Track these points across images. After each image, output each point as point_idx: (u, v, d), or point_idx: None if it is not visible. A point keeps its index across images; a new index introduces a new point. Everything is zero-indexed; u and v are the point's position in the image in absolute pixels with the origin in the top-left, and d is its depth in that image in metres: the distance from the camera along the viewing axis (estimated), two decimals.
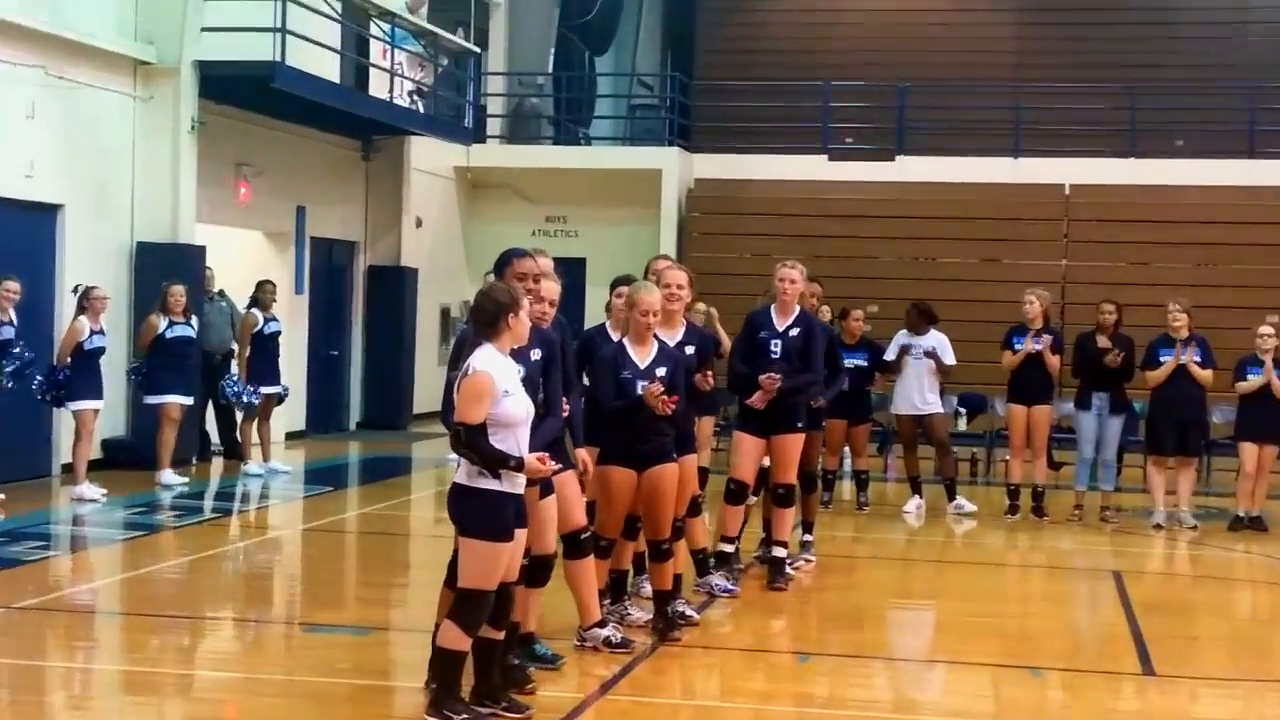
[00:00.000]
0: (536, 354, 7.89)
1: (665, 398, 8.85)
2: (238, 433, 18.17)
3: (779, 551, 11.30)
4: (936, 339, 15.68)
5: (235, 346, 17.95)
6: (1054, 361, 15.23)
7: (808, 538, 12.54)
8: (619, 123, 30.02)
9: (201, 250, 18.39)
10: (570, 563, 8.78)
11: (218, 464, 18.34)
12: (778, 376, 10.77)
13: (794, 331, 11.10)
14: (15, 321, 14.52)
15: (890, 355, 15.64)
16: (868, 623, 10.71)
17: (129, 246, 17.90)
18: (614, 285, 10.30)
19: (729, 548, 11.18)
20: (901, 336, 15.78)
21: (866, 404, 15.54)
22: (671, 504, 9.40)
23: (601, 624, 8.93)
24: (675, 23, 31.83)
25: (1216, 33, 28.69)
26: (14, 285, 14.56)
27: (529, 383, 7.54)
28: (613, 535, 9.33)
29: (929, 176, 25.53)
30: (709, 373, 10.11)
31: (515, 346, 7.38)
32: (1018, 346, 15.21)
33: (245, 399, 17.13)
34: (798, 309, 11.19)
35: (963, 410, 19.55)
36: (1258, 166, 25.17)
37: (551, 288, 8.32)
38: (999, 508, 15.78)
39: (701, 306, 13.24)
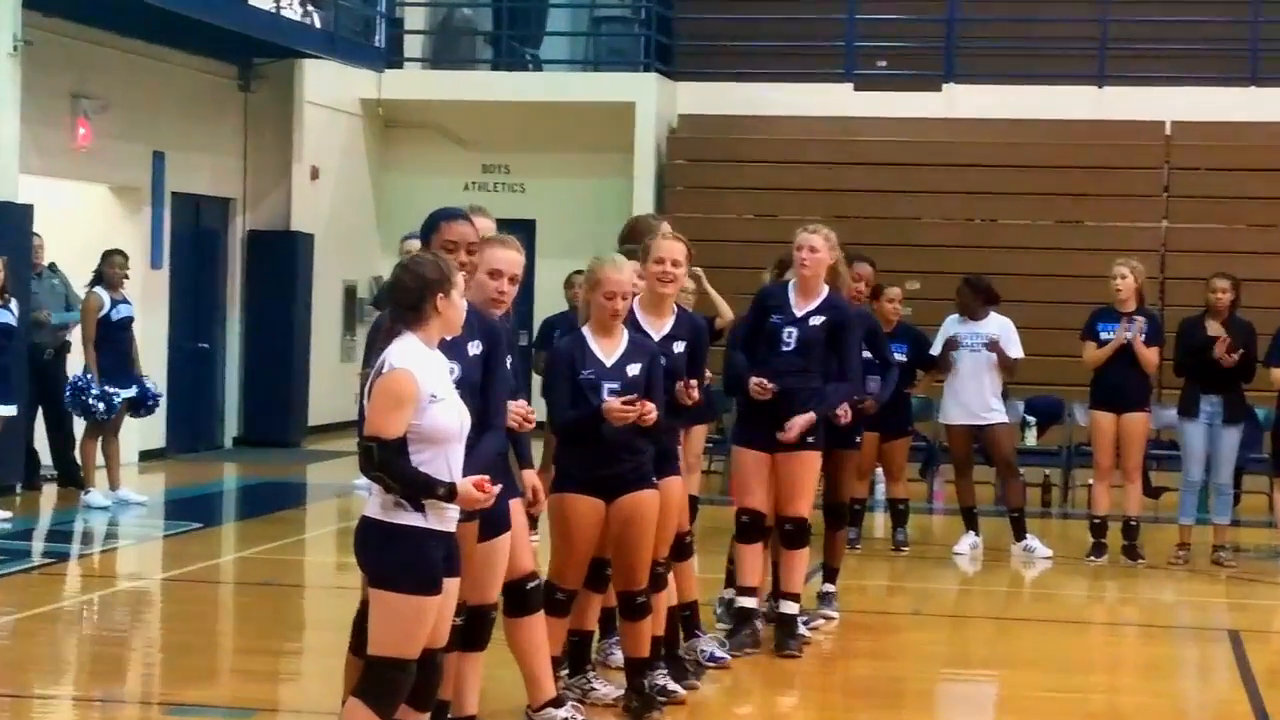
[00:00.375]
0: (476, 347, 7.84)
1: (635, 406, 8.81)
2: (77, 452, 18.11)
3: (789, 607, 11.29)
4: (999, 325, 15.66)
5: (72, 338, 17.88)
6: (1151, 355, 15.27)
7: (829, 588, 12.56)
8: (578, 41, 29.91)
9: (27, 210, 18.33)
10: (515, 621, 8.73)
11: (50, 493, 18.29)
12: (770, 385, 10.77)
13: (816, 320, 11.08)
14: None
15: (937, 348, 15.66)
16: (908, 700, 10.72)
17: None
18: (568, 279, 10.27)
19: (749, 602, 11.12)
20: (952, 323, 15.76)
21: (905, 412, 15.55)
22: (650, 543, 9.33)
23: (557, 703, 8.90)
24: None
25: None
26: None
27: (466, 385, 7.53)
28: (572, 585, 9.28)
29: (986, 112, 25.60)
30: (693, 382, 9.81)
31: (447, 337, 7.34)
32: (1104, 335, 15.26)
33: (103, 408, 16.99)
34: (825, 290, 11.16)
35: (1031, 420, 19.54)
36: None
37: (511, 259, 8.28)
38: (1080, 547, 15.80)
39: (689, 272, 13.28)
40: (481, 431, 7.67)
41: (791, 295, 11.21)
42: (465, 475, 7.21)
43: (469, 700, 8.28)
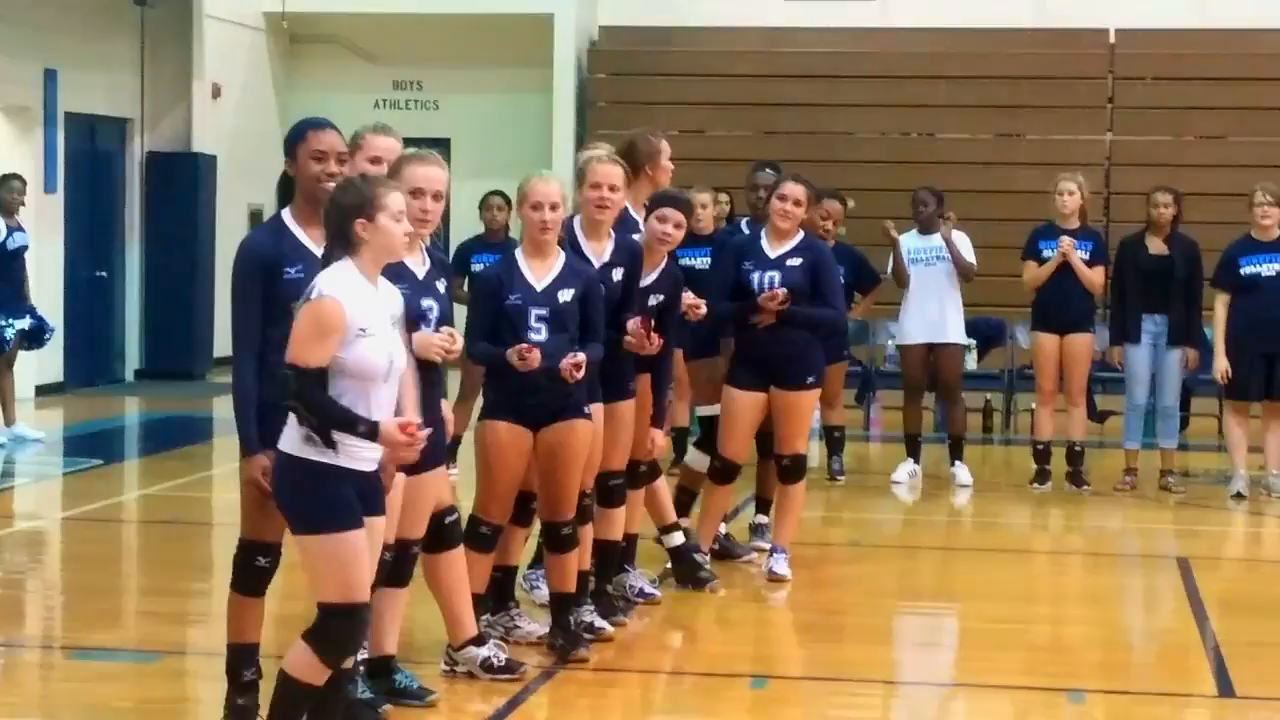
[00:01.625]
0: (444, 284, 7.91)
1: (529, 357, 8.71)
2: None
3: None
4: (954, 236, 15.68)
5: None
6: (1095, 275, 15.36)
7: (762, 519, 12.65)
8: None
9: None
10: (433, 557, 8.72)
11: None
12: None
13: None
14: None
15: (891, 263, 15.65)
16: (848, 633, 10.76)
17: None
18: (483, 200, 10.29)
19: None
20: (909, 238, 15.73)
21: (841, 337, 15.56)
22: (578, 473, 9.33)
23: (479, 641, 8.94)
24: None
25: None
26: None
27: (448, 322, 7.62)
28: (498, 519, 9.28)
29: (922, 20, 25.59)
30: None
31: (386, 262, 7.31)
32: (1046, 254, 15.34)
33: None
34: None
35: (971, 342, 19.51)
36: None
37: (431, 175, 8.21)
38: (1023, 474, 15.95)
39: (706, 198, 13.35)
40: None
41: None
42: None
43: (388, 639, 8.30)
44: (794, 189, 11.25)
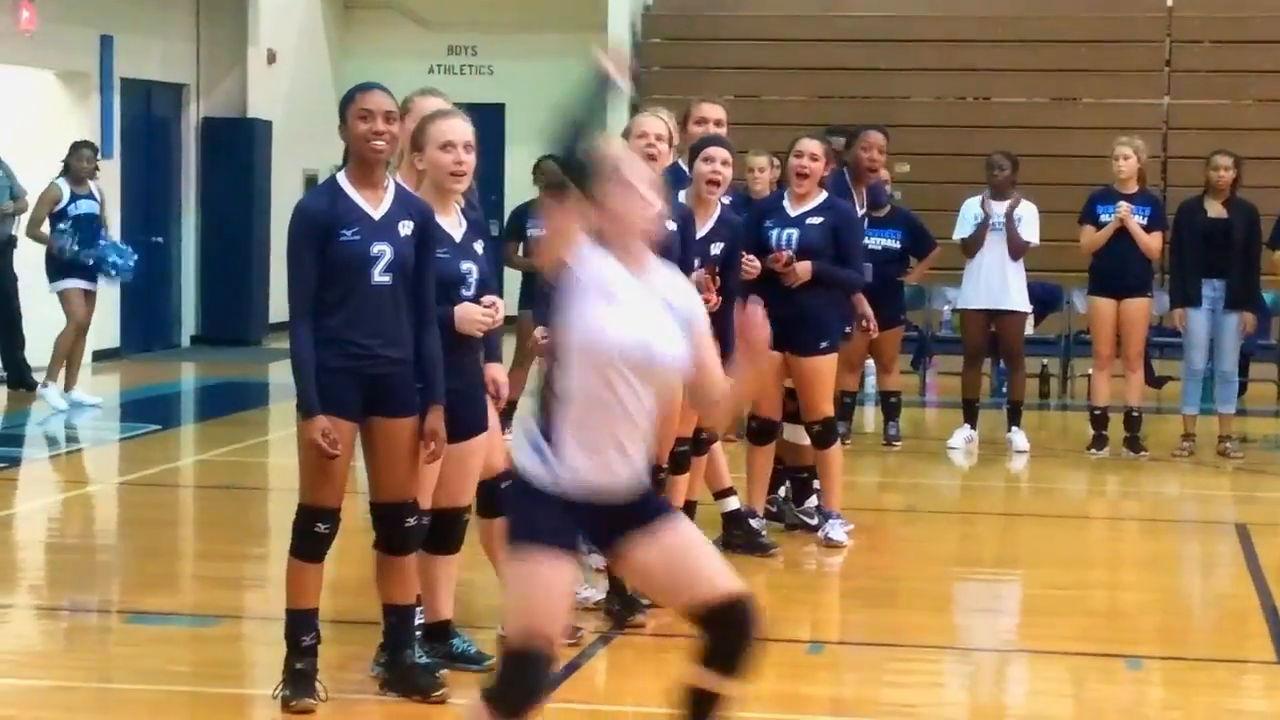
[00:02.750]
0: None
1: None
2: (23, 353, 18.09)
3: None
4: (1022, 205, 15.56)
5: (17, 231, 17.83)
6: (1153, 240, 15.31)
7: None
8: None
9: None
10: (488, 522, 8.76)
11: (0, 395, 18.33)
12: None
13: (814, 220, 11.27)
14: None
15: (967, 229, 15.49)
16: (903, 598, 10.79)
17: None
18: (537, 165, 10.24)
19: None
20: (974, 203, 15.66)
21: (897, 301, 15.53)
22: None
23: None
24: None
25: None
26: None
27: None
28: None
29: None
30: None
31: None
32: (1104, 218, 15.29)
33: (116, 264, 17.00)
34: (823, 193, 11.41)
35: (1028, 308, 19.55)
36: None
37: (458, 126, 8.16)
38: (1080, 439, 15.93)
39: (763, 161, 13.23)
40: (419, 334, 7.76)
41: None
42: (437, 388, 7.53)
43: (443, 604, 8.33)
44: (807, 144, 11.25)
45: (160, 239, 22.70)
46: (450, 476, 8.02)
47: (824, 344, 11.23)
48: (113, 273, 17.10)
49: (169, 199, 23.04)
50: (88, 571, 11.56)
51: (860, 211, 12.98)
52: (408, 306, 7.63)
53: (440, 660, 8.16)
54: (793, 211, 11.25)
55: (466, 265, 8.06)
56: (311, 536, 7.70)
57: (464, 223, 8.20)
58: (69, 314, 16.74)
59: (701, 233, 9.91)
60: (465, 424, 8.03)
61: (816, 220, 11.19)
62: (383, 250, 7.53)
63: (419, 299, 7.73)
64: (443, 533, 8.11)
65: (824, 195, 11.32)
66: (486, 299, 8.08)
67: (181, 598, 10.61)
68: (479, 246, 8.18)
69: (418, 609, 8.09)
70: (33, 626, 9.95)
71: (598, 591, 9.60)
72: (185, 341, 23.32)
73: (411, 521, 7.86)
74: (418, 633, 8.03)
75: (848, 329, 12.37)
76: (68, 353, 17.05)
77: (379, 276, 7.55)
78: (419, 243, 7.72)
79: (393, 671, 7.96)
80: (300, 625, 7.75)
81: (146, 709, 8.01)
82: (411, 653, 7.94)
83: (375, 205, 7.54)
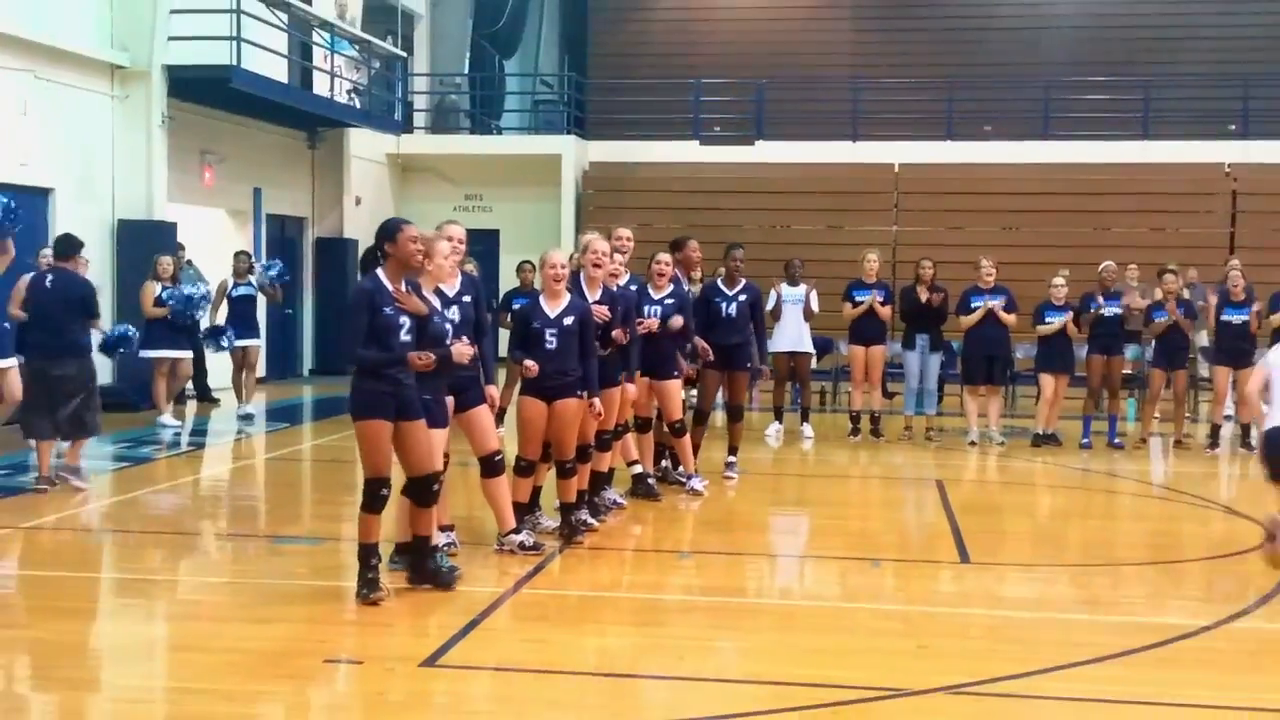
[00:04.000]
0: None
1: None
2: (226, 379, 17.96)
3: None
4: (806, 289, 15.76)
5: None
6: (885, 311, 15.46)
7: (732, 459, 12.62)
8: (524, 115, 29.91)
9: (173, 226, 18.17)
10: (488, 481, 8.80)
11: (192, 406, 18.17)
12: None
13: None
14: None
15: (771, 304, 15.50)
16: (737, 525, 10.76)
17: (111, 223, 17.66)
18: (518, 266, 10.23)
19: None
20: (781, 288, 15.80)
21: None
22: (573, 434, 9.24)
23: (516, 531, 8.95)
24: (571, 30, 31.77)
25: (1019, 37, 29.05)
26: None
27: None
28: (532, 457, 9.26)
29: (783, 158, 25.70)
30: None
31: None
32: (858, 298, 15.41)
33: (225, 344, 16.83)
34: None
35: (813, 351, 19.64)
36: (1052, 147, 25.60)
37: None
38: (844, 430, 15.99)
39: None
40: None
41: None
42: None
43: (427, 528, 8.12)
44: (661, 255, 11.16)
45: (290, 311, 22.57)
46: (424, 454, 7.77)
47: (675, 373, 11.18)
48: (271, 275, 17.24)
49: (296, 286, 22.89)
50: (244, 511, 11.52)
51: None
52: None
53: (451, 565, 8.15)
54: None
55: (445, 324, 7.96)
56: (377, 498, 7.57)
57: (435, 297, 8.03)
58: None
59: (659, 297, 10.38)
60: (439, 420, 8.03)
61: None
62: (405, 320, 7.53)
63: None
64: (420, 491, 7.87)
65: (672, 285, 11.16)
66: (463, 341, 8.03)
67: (303, 526, 10.57)
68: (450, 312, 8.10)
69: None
70: (212, 546, 9.89)
71: (554, 522, 9.61)
72: (306, 372, 23.19)
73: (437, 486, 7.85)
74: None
75: (747, 364, 12.45)
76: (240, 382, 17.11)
77: (404, 336, 7.51)
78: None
79: (418, 571, 7.90)
80: (369, 551, 7.64)
81: (283, 596, 7.98)
82: (433, 560, 7.92)
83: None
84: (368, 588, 7.60)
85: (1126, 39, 28.49)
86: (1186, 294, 16.08)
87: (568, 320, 9.07)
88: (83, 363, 11.37)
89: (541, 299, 9.18)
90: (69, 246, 11.79)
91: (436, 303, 7.95)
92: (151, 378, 15.89)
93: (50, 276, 11.54)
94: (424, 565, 7.88)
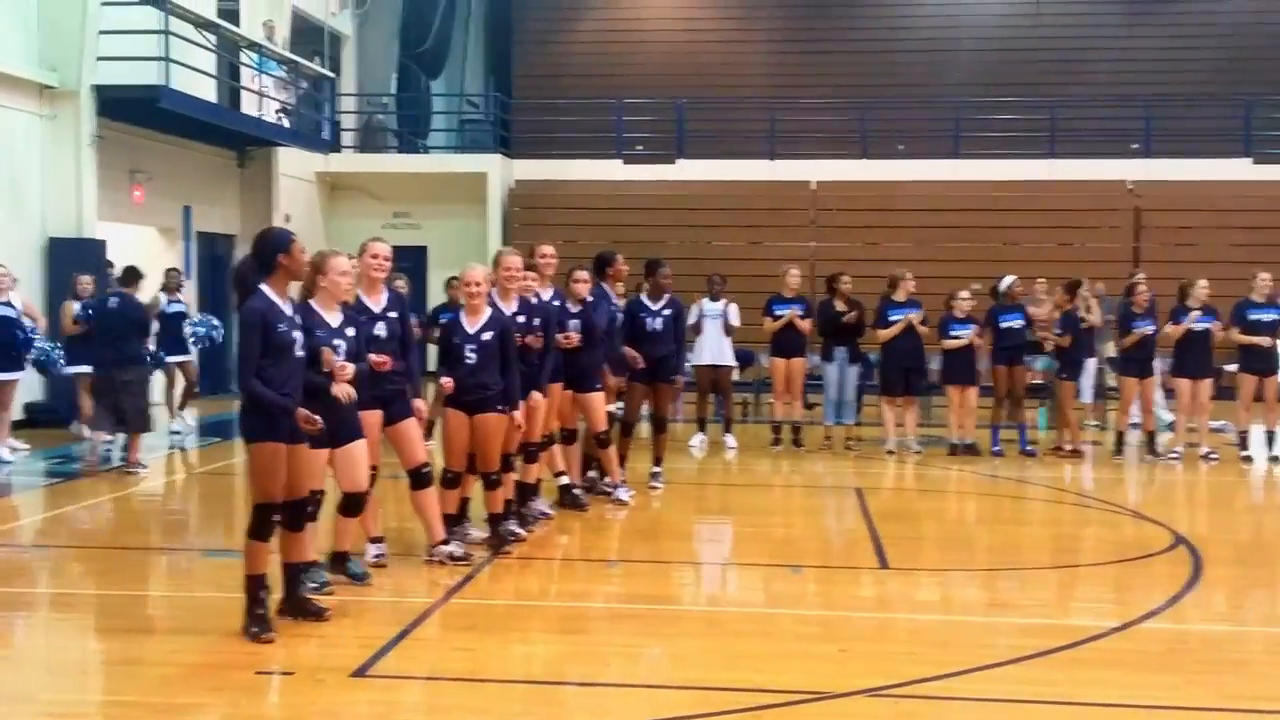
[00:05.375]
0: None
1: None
2: (162, 395, 17.70)
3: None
4: (726, 305, 15.83)
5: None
6: (806, 325, 15.54)
7: (657, 469, 12.60)
8: (451, 134, 29.78)
9: (102, 244, 17.91)
10: (416, 494, 8.74)
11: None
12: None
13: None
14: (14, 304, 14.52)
15: (693, 319, 15.52)
16: (662, 533, 10.72)
17: (41, 242, 17.38)
18: (447, 281, 10.15)
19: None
20: (702, 304, 15.85)
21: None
22: (496, 448, 9.12)
23: (445, 542, 8.90)
24: (496, 50, 31.71)
25: (931, 59, 29.37)
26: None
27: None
28: (458, 468, 9.20)
29: (703, 176, 25.79)
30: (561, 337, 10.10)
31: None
32: (779, 312, 15.47)
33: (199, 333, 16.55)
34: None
35: (735, 364, 19.68)
36: (962, 165, 25.88)
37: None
38: (766, 440, 16.03)
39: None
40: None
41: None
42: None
43: (346, 541, 8.21)
44: (577, 273, 10.91)
45: (219, 325, 22.27)
46: (346, 470, 7.79)
47: (598, 385, 11.08)
48: (199, 333, 16.69)
49: (223, 303, 22.64)
50: (180, 526, 11.34)
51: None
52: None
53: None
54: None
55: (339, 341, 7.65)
56: (267, 524, 7.09)
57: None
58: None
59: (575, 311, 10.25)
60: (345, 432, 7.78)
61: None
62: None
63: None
64: (349, 505, 7.95)
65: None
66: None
67: (235, 540, 10.41)
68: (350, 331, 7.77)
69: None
70: (143, 561, 9.72)
71: (482, 533, 9.53)
72: (236, 388, 22.90)
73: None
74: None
75: (673, 376, 12.38)
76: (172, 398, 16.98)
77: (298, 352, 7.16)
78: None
79: (288, 599, 7.38)
80: (257, 584, 7.11)
81: (211, 610, 7.86)
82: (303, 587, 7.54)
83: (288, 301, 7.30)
84: (257, 625, 7.02)
85: (1033, 60, 28.92)
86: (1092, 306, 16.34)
87: (486, 335, 8.99)
88: (141, 370, 13.44)
89: (461, 315, 9.11)
90: (131, 275, 13.91)
91: (336, 319, 7.72)
92: (75, 393, 15.61)
93: (114, 299, 13.62)
94: (293, 593, 7.40)
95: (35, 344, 14.45)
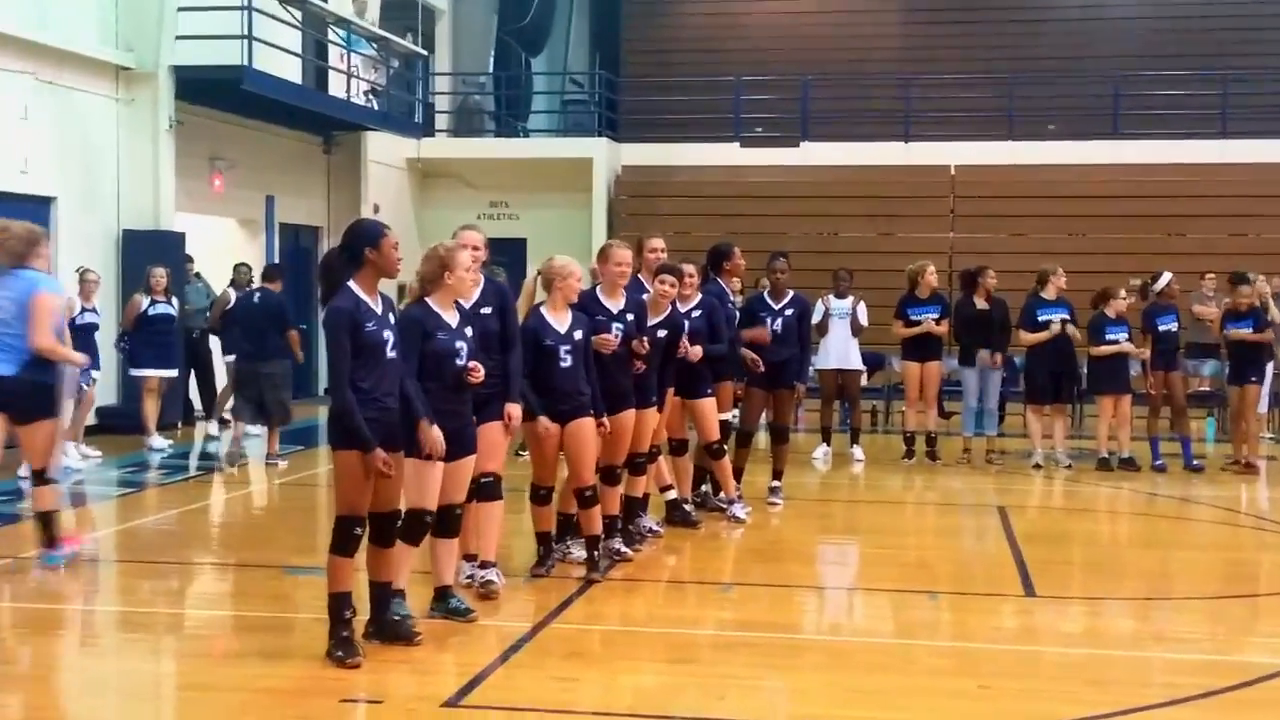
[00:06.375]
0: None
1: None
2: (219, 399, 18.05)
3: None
4: (855, 302, 15.82)
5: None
6: (942, 329, 15.40)
7: (776, 483, 12.54)
8: (553, 116, 29.99)
9: (181, 236, 18.29)
10: (476, 504, 8.45)
11: (201, 428, 18.24)
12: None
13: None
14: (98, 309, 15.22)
15: (818, 317, 15.40)
16: (784, 555, 10.71)
17: (116, 234, 17.77)
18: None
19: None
20: (827, 300, 15.83)
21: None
22: (591, 458, 8.96)
23: (487, 566, 8.54)
24: (602, 25, 31.83)
25: (1081, 28, 28.99)
26: (95, 275, 15.33)
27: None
28: (549, 483, 9.07)
29: (830, 160, 25.68)
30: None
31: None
32: (912, 317, 15.34)
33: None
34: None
35: (862, 368, 19.58)
36: (1121, 147, 25.47)
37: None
38: (898, 452, 15.92)
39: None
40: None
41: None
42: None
43: (446, 572, 8.02)
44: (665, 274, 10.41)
45: (305, 325, 22.54)
46: (446, 484, 7.65)
47: (708, 390, 10.98)
48: None
49: (309, 299, 22.97)
50: (256, 540, 11.51)
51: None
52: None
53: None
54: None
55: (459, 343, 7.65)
56: (351, 538, 7.09)
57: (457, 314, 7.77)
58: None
59: (653, 323, 9.86)
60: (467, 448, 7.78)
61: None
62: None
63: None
64: (442, 522, 7.77)
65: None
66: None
67: (318, 557, 10.52)
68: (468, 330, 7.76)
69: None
70: (218, 576, 9.87)
71: (584, 553, 9.47)
72: (321, 391, 23.24)
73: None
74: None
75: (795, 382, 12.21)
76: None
77: (390, 354, 7.19)
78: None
79: (375, 622, 7.41)
80: (341, 601, 7.14)
81: (300, 631, 7.96)
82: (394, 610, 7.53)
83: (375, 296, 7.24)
84: (342, 649, 7.04)
85: (1203, 28, 28.37)
86: (1273, 304, 15.98)
87: (577, 333, 8.83)
88: (283, 363, 14.72)
89: (546, 312, 8.86)
90: (274, 271, 15.29)
91: (455, 318, 7.75)
92: (140, 399, 15.92)
93: (258, 294, 14.92)
94: (381, 615, 7.42)
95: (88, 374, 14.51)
